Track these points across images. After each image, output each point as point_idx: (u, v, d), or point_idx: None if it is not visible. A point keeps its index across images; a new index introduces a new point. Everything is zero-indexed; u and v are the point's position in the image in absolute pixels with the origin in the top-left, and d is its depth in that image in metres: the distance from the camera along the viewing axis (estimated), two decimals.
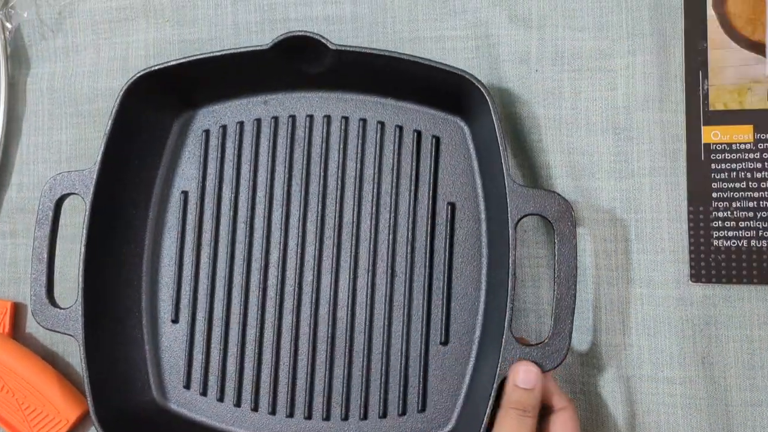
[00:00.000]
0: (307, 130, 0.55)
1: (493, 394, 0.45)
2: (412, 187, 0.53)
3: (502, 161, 0.46)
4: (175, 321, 0.55)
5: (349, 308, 0.53)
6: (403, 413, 0.51)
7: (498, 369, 0.45)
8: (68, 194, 0.52)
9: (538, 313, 0.51)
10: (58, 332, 0.51)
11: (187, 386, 0.54)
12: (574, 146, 0.50)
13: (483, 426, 0.45)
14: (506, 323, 0.45)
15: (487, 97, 0.47)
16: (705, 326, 0.48)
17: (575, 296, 0.45)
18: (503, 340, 0.45)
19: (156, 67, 0.52)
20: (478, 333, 0.51)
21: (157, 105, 0.54)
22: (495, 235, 0.51)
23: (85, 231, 0.51)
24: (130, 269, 0.55)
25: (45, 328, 0.52)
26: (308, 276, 0.54)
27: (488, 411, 0.45)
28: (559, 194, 0.46)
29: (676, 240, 0.49)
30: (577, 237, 0.45)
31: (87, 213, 0.52)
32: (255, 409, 0.54)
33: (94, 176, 0.52)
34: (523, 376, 0.44)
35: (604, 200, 0.50)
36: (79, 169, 0.52)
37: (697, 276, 0.48)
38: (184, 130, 0.56)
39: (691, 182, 0.49)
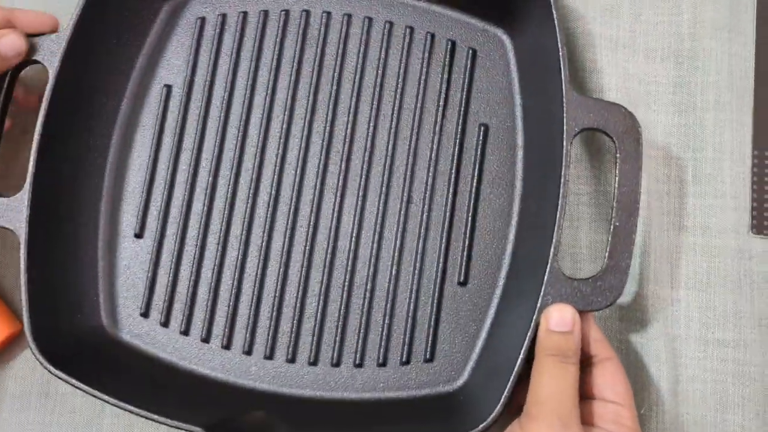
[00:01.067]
0: (322, 28, 0.47)
1: (529, 335, 0.38)
2: (441, 104, 0.46)
3: (561, 65, 0.40)
4: (139, 236, 0.46)
5: (353, 236, 0.45)
6: (407, 362, 0.43)
7: (539, 304, 0.38)
8: (29, 62, 0.43)
9: (574, 257, 0.44)
10: None
11: (146, 314, 0.45)
12: (631, 72, 0.44)
13: (512, 377, 0.38)
14: (552, 250, 0.38)
15: None
16: (765, 284, 0.42)
17: (636, 225, 0.38)
18: (546, 272, 0.38)
19: None
20: (503, 273, 0.44)
21: None
22: (533, 163, 0.44)
23: (44, 105, 0.42)
24: (92, 168, 0.46)
25: None
26: (307, 195, 0.46)
27: (521, 357, 0.38)
28: (624, 107, 0.39)
29: (737, 185, 0.43)
30: (642, 157, 0.39)
31: (50, 84, 0.42)
32: (227, 346, 0.44)
33: (63, 42, 0.43)
34: (558, 318, 0.37)
35: (660, 135, 0.44)
36: (44, 34, 0.43)
37: (758, 227, 0.43)
38: (175, 15, 0.48)
39: (757, 122, 0.43)
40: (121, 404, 0.40)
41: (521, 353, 0.38)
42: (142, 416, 0.39)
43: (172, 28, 0.48)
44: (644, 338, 0.42)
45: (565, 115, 0.39)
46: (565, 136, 0.39)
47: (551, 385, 0.36)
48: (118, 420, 0.44)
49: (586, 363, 0.38)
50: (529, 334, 0.38)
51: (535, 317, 0.38)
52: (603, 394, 0.38)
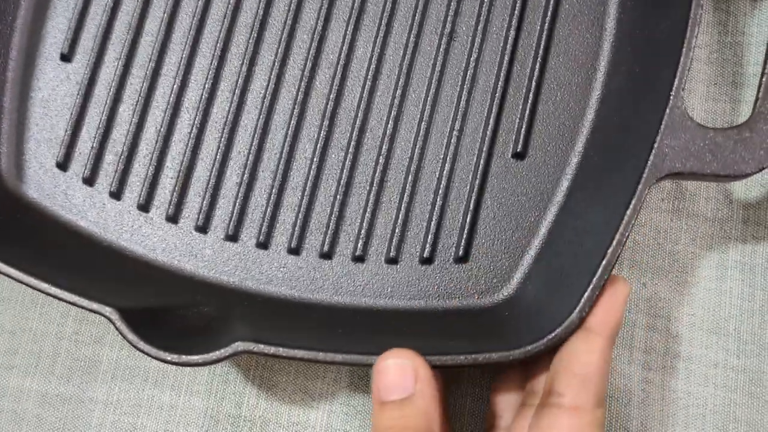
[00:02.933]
0: None
1: (629, 214, 0.24)
2: None
3: None
4: (67, 58, 0.32)
5: (369, 80, 0.32)
6: (428, 259, 0.30)
7: (650, 158, 0.24)
8: None
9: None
10: None
11: (63, 165, 0.32)
12: None
13: (589, 291, 0.24)
14: (675, 88, 0.25)
15: None
16: None
17: None
18: (666, 114, 0.25)
19: None
20: (581, 144, 0.30)
21: None
22: None
23: None
24: None
25: None
26: (309, 19, 0.32)
27: (605, 262, 0.25)
28: None
29: None
30: None
31: None
32: (173, 218, 0.31)
33: None
34: (391, 378, 0.24)
35: None
36: None
37: None
38: None
39: None
40: (21, 275, 0.27)
41: (607, 255, 0.25)
42: (38, 289, 0.26)
43: None
44: None
45: None
46: None
47: None
48: (4, 307, 0.31)
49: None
50: (626, 217, 0.25)
51: (643, 182, 0.25)
52: None
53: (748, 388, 0.28)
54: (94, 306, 0.26)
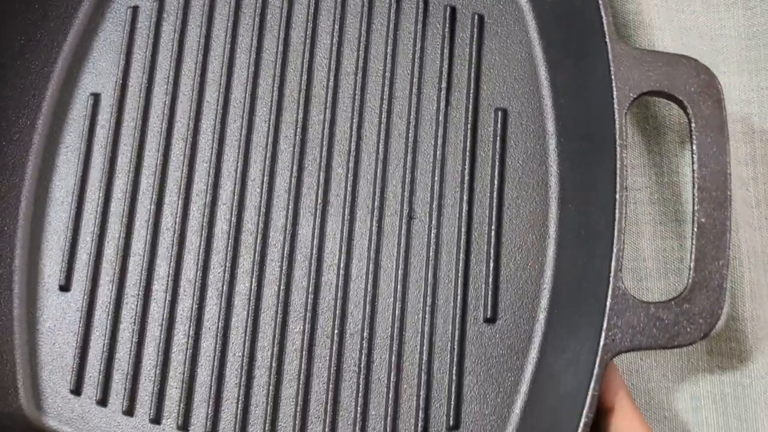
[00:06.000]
0: (285, 6, 0.37)
1: (591, 392, 0.27)
2: (442, 87, 0.35)
3: (603, 14, 0.29)
4: (65, 288, 0.35)
5: (341, 269, 0.34)
6: None
7: (602, 342, 0.27)
8: None
9: (637, 274, 0.33)
10: None
11: (77, 390, 0.34)
12: (688, 23, 0.34)
13: None
14: (613, 265, 0.27)
15: None
16: None
17: (729, 219, 0.27)
18: (609, 296, 0.27)
19: None
20: (544, 303, 0.33)
21: None
22: (570, 153, 0.33)
23: None
24: (3, 205, 0.36)
25: None
26: (278, 220, 0.35)
27: (582, 423, 0.27)
28: (695, 59, 0.29)
29: None
30: (727, 124, 0.28)
31: None
32: (183, 427, 0.33)
33: None
34: None
35: (735, 104, 0.33)
36: None
37: None
38: (100, 6, 0.38)
39: None
40: None
41: (582, 417, 0.27)
42: None
43: (97, 22, 0.38)
44: (745, 377, 0.31)
45: (613, 77, 0.29)
46: (616, 106, 0.28)
47: None
48: None
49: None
50: (591, 391, 0.27)
51: (598, 364, 0.27)
52: None
53: None
54: None
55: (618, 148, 0.28)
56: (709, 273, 0.27)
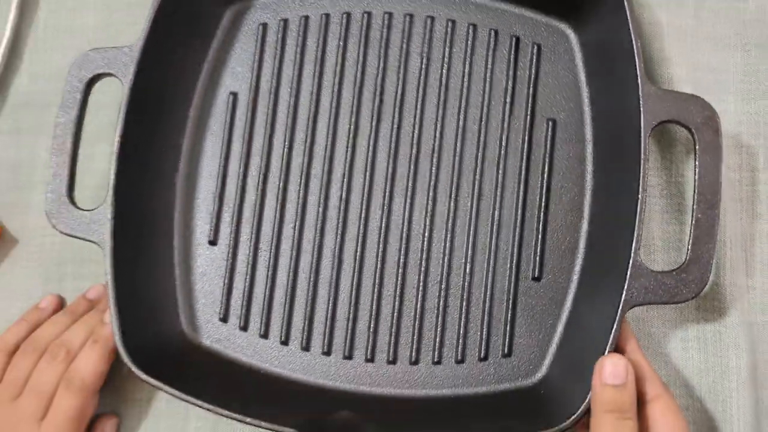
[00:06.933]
0: (384, 29, 0.47)
1: (614, 333, 0.38)
2: (507, 100, 0.46)
3: (636, 58, 0.40)
4: (213, 242, 0.46)
5: (426, 235, 0.45)
6: (485, 358, 0.44)
7: (623, 297, 0.38)
8: (102, 74, 0.44)
9: (648, 249, 0.44)
10: (78, 238, 0.42)
11: (224, 319, 0.46)
12: (699, 61, 0.44)
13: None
14: (634, 245, 0.38)
15: None
16: None
17: (718, 217, 0.38)
18: (629, 266, 0.38)
19: None
20: (578, 267, 0.44)
21: None
22: (603, 157, 0.44)
23: (121, 117, 0.43)
24: (165, 177, 0.47)
25: (62, 233, 0.43)
26: (378, 197, 0.46)
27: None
28: (703, 99, 0.39)
29: None
30: (722, 149, 0.39)
31: (124, 96, 0.43)
32: (306, 348, 0.45)
33: (137, 54, 0.43)
34: (611, 370, 0.37)
35: (730, 124, 0.44)
36: (116, 46, 0.44)
37: None
38: (236, 22, 0.48)
39: None
40: (218, 409, 0.40)
41: (607, 350, 0.38)
42: (234, 419, 0.40)
43: (234, 35, 0.48)
44: (722, 326, 0.43)
45: (642, 108, 0.39)
46: (643, 129, 0.39)
47: None
48: (203, 423, 0.45)
49: (638, 402, 0.38)
50: (613, 332, 0.38)
51: (620, 313, 0.38)
52: None
53: (704, 422, 0.42)
54: (281, 428, 0.40)
55: (642, 162, 0.39)
56: (701, 252, 0.38)
